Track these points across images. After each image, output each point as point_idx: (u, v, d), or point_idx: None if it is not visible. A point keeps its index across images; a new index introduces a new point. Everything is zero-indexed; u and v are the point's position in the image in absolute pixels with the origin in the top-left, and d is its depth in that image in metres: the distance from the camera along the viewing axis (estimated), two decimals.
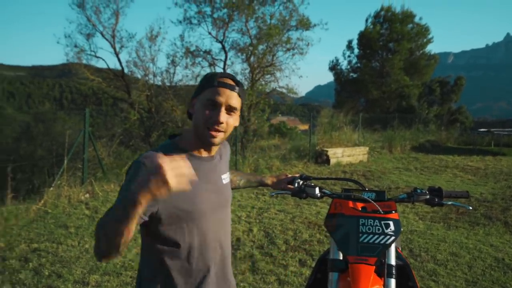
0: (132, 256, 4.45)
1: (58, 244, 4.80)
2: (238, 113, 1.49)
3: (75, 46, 13.79)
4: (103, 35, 13.86)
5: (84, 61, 14.19)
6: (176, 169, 1.12)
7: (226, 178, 1.63)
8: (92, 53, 14.07)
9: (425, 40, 26.34)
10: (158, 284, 1.44)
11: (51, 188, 6.68)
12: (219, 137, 1.45)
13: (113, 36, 13.90)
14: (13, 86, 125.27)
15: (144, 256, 1.49)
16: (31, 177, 8.18)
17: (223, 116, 1.42)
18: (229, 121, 1.45)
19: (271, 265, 4.30)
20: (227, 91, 1.42)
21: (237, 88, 1.45)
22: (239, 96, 1.46)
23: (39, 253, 4.49)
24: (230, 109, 1.44)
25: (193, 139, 1.49)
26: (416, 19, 26.26)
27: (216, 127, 1.42)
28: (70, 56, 14.14)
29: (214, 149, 1.56)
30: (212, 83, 1.43)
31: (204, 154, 1.52)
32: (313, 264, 4.26)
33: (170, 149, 1.44)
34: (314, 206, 6.74)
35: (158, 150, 1.42)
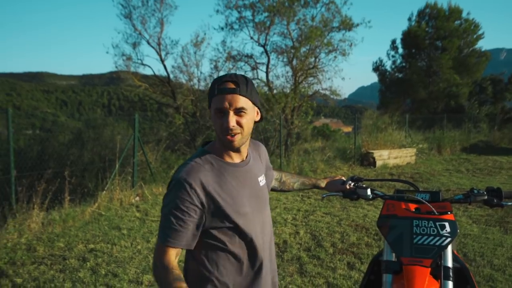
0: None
1: (113, 244, 5.01)
2: (250, 111, 1.47)
3: (123, 54, 14.34)
4: (149, 43, 14.34)
5: (131, 69, 14.72)
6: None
7: (262, 180, 1.64)
8: (139, 61, 14.58)
9: (474, 36, 25.18)
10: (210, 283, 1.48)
11: (104, 192, 6.98)
12: (237, 139, 1.45)
13: (159, 44, 14.34)
14: (66, 95, 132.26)
15: (196, 260, 1.52)
16: (82, 181, 8.54)
17: (232, 121, 1.42)
18: (242, 122, 1.44)
19: (319, 267, 4.27)
20: (229, 96, 1.41)
21: (238, 89, 1.42)
22: (245, 95, 1.44)
23: (96, 253, 4.71)
24: (238, 111, 1.43)
25: (222, 146, 1.51)
26: (464, 15, 25.23)
27: (230, 132, 1.43)
28: (119, 64, 14.74)
29: (244, 153, 1.57)
30: (214, 92, 1.44)
31: (237, 159, 1.54)
32: (362, 267, 4.20)
33: (205, 159, 1.49)
34: (361, 209, 6.63)
35: (191, 162, 1.47)
